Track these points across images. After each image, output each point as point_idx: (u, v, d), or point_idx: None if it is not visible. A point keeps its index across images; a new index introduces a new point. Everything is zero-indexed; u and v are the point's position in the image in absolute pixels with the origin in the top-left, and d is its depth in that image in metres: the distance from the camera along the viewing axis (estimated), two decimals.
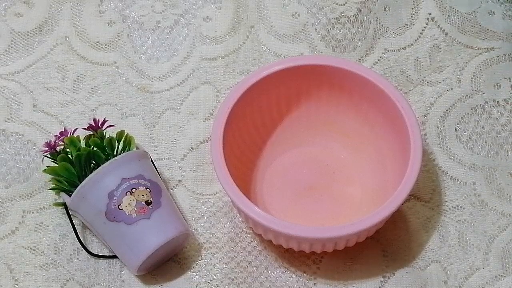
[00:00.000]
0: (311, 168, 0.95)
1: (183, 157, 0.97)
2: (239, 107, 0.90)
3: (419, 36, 1.03)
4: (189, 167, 0.97)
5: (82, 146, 0.91)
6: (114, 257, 0.92)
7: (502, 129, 0.98)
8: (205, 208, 0.95)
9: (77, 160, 0.89)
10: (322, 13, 1.04)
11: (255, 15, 1.04)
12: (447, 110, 0.99)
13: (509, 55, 1.01)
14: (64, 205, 0.91)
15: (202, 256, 0.92)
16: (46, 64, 1.02)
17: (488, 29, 1.02)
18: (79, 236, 0.92)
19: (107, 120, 0.93)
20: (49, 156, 0.91)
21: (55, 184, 0.91)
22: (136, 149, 0.92)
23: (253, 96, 0.92)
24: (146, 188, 0.88)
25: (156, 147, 0.98)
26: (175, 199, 0.95)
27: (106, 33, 1.04)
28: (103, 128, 0.92)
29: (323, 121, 0.96)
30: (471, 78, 1.00)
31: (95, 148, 0.91)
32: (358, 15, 1.03)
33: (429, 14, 1.03)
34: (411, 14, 1.04)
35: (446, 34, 1.02)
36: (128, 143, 0.92)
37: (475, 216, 0.93)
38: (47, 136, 0.98)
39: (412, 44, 1.02)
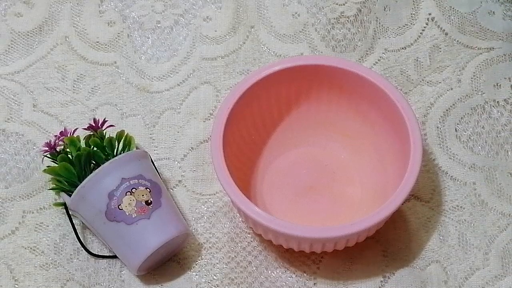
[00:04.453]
0: (311, 168, 0.95)
1: (183, 157, 0.97)
2: (239, 107, 0.90)
3: (419, 36, 1.03)
4: (189, 167, 0.97)
5: (82, 146, 0.91)
6: (114, 257, 0.92)
7: (502, 129, 0.98)
8: (205, 208, 0.95)
9: (77, 160, 0.89)
10: (322, 13, 1.04)
11: (255, 15, 1.04)
12: (447, 110, 0.99)
13: (509, 55, 1.01)
14: (64, 205, 0.91)
15: (202, 256, 0.92)
16: (46, 64, 1.02)
17: (488, 29, 1.02)
18: (79, 236, 0.92)
19: (107, 120, 0.93)
20: (49, 156, 0.91)
21: (55, 184, 0.91)
22: (136, 149, 0.92)
23: (253, 96, 0.92)
24: (146, 188, 0.88)
25: (156, 147, 0.98)
26: (175, 199, 0.95)
27: (106, 33, 1.04)
28: (103, 128, 0.92)
29: (323, 121, 0.96)
30: (471, 78, 1.00)
31: (95, 148, 0.91)
32: (358, 15, 1.03)
33: (429, 14, 1.03)
34: (411, 14, 1.04)
35: (446, 34, 1.03)
36: (128, 143, 0.92)
37: (475, 216, 0.93)
38: (47, 136, 0.98)
39: (412, 44, 1.02)
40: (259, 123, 0.95)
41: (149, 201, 0.88)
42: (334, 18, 1.03)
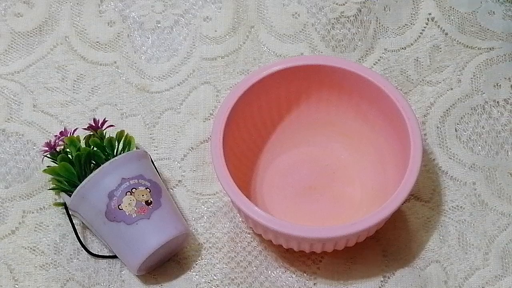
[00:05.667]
0: (311, 168, 0.95)
1: (183, 157, 0.97)
2: (239, 107, 0.90)
3: (419, 36, 1.03)
4: (189, 167, 0.97)
5: (82, 146, 0.91)
6: (114, 257, 0.92)
7: (502, 129, 0.98)
8: (205, 208, 0.95)
9: (77, 160, 0.89)
10: (322, 13, 1.04)
11: (255, 15, 1.04)
12: (447, 110, 0.99)
13: (509, 55, 1.01)
14: (64, 205, 0.91)
15: (202, 256, 0.92)
16: (46, 64, 1.02)
17: (488, 29, 1.02)
18: (79, 236, 0.92)
19: (107, 120, 0.93)
20: (49, 156, 0.92)
21: (55, 184, 0.91)
22: (136, 149, 0.92)
23: (253, 96, 0.92)
24: (146, 188, 0.88)
25: (156, 147, 0.98)
26: (175, 199, 0.95)
27: (106, 33, 1.04)
28: (103, 128, 0.92)
29: (323, 121, 0.96)
30: (471, 78, 1.00)
31: (95, 148, 0.91)
32: (358, 15, 1.03)
33: (429, 14, 1.03)
34: (411, 14, 1.04)
35: (446, 34, 1.03)
36: (128, 143, 0.92)
37: (475, 216, 0.93)
38: (47, 136, 0.98)
39: (412, 44, 1.02)
40: (259, 123, 0.95)
41: (149, 201, 0.88)
42: (334, 18, 1.03)
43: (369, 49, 1.02)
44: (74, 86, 1.01)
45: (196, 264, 0.92)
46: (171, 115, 1.00)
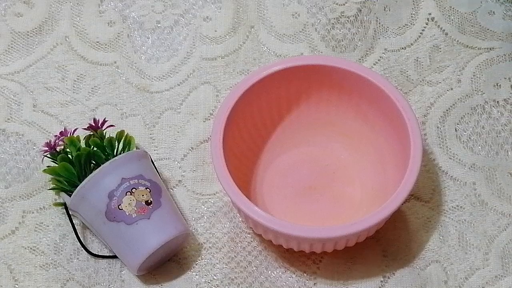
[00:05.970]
0: (311, 168, 0.95)
1: (183, 157, 0.97)
2: (239, 107, 0.90)
3: (419, 36, 1.03)
4: (189, 167, 0.97)
5: (82, 146, 0.91)
6: (114, 257, 0.92)
7: (502, 129, 0.98)
8: (205, 208, 0.95)
9: (77, 160, 0.89)
10: (322, 13, 1.04)
11: (255, 15, 1.04)
12: (447, 110, 0.99)
13: (509, 55, 1.01)
14: (64, 205, 0.91)
15: (202, 256, 0.92)
16: (46, 64, 1.02)
17: (488, 29, 1.02)
18: (79, 236, 0.92)
19: (107, 120, 0.93)
20: (49, 156, 0.92)
21: (55, 184, 0.91)
22: (136, 149, 0.92)
23: (253, 96, 0.92)
24: (146, 188, 0.88)
25: (156, 147, 0.98)
26: (175, 199, 0.95)
27: (106, 33, 1.04)
28: (103, 128, 0.92)
29: (323, 121, 0.96)
30: (471, 78, 1.00)
31: (95, 148, 0.91)
32: (358, 15, 1.03)
33: (429, 14, 1.04)
34: (411, 14, 1.04)
35: (446, 34, 1.03)
36: (128, 143, 0.92)
37: (475, 216, 0.93)
38: (47, 136, 0.98)
39: (412, 44, 1.02)
40: (259, 123, 0.95)
41: (149, 201, 0.88)
42: (334, 18, 1.03)
43: (369, 49, 1.02)
44: (74, 86, 1.01)
45: (196, 264, 0.92)
46: (171, 115, 1.00)
